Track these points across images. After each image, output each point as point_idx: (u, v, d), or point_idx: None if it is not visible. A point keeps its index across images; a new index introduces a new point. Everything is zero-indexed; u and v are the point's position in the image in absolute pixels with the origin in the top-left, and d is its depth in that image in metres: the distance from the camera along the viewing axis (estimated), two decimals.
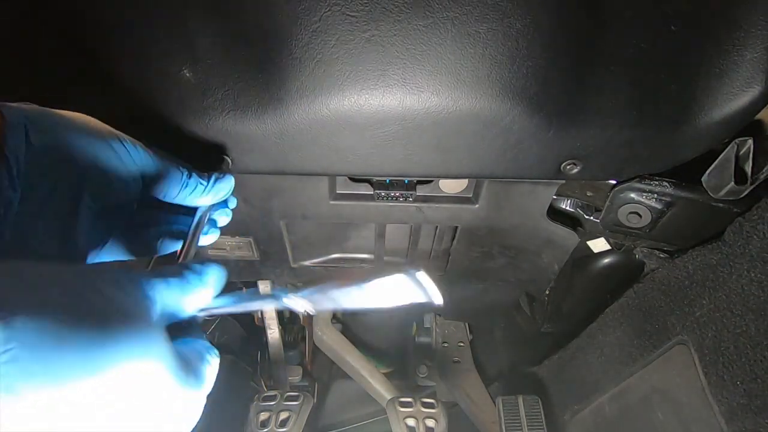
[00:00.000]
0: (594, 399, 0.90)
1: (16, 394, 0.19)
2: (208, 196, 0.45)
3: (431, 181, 0.69)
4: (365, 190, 0.69)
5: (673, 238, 0.68)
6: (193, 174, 0.43)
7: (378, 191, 0.68)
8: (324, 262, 0.89)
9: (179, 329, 0.30)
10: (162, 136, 0.46)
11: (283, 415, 0.98)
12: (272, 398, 1.01)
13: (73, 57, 0.46)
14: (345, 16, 0.42)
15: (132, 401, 0.24)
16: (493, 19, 0.42)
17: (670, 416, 0.72)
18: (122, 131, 0.39)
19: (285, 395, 1.02)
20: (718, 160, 0.54)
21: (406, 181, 0.68)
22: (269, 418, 0.98)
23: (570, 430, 0.98)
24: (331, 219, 0.73)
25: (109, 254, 0.42)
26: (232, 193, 0.48)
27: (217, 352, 0.32)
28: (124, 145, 0.38)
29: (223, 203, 0.49)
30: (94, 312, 0.23)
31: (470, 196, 0.70)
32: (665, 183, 0.58)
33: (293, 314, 1.32)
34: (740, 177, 0.52)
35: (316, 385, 1.31)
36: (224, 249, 0.83)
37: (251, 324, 1.29)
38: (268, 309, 1.18)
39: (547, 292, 0.93)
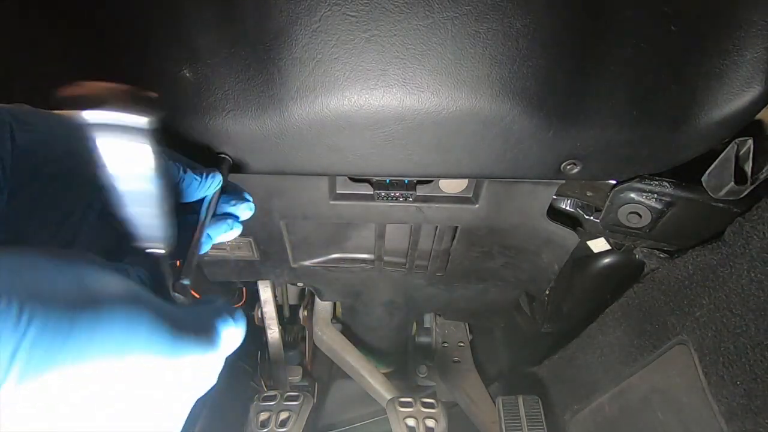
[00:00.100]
0: (594, 399, 0.90)
1: (41, 373, 0.20)
2: (206, 190, 0.44)
3: (431, 181, 0.69)
4: (365, 190, 0.69)
5: (673, 238, 0.68)
6: (188, 169, 0.43)
7: (378, 191, 0.68)
8: (324, 262, 0.89)
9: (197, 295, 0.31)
10: (162, 136, 0.46)
11: (283, 415, 0.98)
12: (272, 398, 1.01)
13: (72, 57, 0.46)
14: (345, 16, 0.42)
15: (136, 380, 0.24)
16: (493, 18, 0.42)
17: (670, 416, 0.72)
18: None
19: (285, 395, 1.02)
20: (718, 160, 0.54)
21: (406, 181, 0.68)
22: (269, 418, 0.98)
23: (570, 430, 0.98)
24: (331, 219, 0.73)
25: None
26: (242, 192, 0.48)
27: (241, 312, 0.32)
28: None
29: (243, 198, 0.48)
30: (95, 291, 0.24)
31: (470, 196, 0.70)
32: (665, 183, 0.58)
33: (293, 314, 1.32)
34: (740, 177, 0.52)
35: (316, 385, 1.31)
36: (224, 249, 0.83)
37: (251, 324, 1.29)
38: (268, 309, 1.18)
39: (547, 292, 0.93)
